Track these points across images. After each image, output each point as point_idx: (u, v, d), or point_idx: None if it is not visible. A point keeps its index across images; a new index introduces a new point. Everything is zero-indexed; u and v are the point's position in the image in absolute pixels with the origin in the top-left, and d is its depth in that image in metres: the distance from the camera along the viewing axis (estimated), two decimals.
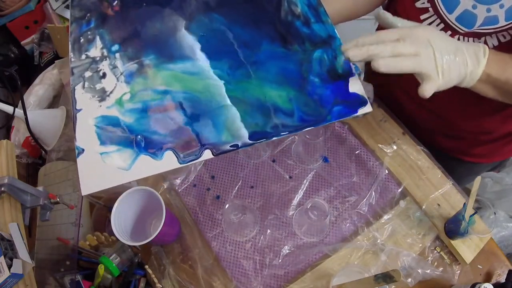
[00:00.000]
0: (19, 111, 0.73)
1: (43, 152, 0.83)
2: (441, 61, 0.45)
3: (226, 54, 0.54)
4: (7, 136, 0.88)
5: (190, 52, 0.55)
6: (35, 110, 0.88)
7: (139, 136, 0.49)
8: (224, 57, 0.54)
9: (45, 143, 0.81)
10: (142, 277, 0.64)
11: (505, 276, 0.61)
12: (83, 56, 0.55)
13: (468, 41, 0.57)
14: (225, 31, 0.56)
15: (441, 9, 0.58)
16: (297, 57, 0.53)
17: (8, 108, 0.72)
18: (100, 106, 0.51)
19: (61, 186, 0.72)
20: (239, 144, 0.48)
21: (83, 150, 0.48)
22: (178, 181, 0.75)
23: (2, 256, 0.49)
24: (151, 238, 0.56)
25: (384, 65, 0.43)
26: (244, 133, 0.48)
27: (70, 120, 0.83)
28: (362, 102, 0.49)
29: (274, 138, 0.48)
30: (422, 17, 0.61)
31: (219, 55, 0.54)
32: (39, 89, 0.91)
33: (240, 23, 0.57)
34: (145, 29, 0.57)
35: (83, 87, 0.53)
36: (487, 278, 0.65)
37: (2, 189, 0.55)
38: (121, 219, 0.60)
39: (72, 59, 0.55)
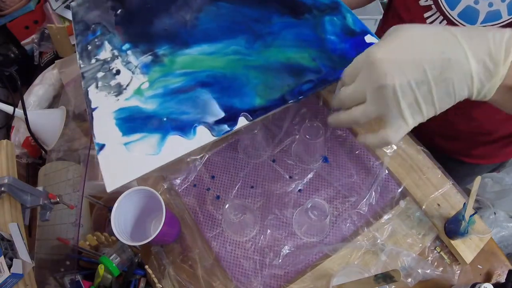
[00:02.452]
0: (19, 111, 0.73)
1: (43, 152, 0.83)
2: (409, 97, 0.33)
3: (240, 32, 0.54)
4: (7, 136, 0.88)
5: (204, 36, 0.54)
6: (35, 110, 0.88)
7: (164, 119, 0.47)
8: (239, 35, 0.54)
9: (45, 143, 0.81)
10: (142, 277, 0.64)
11: (505, 276, 0.61)
12: (93, 61, 0.54)
13: None
14: (234, 13, 0.56)
15: (443, 5, 0.58)
16: (309, 23, 0.53)
17: (8, 108, 0.72)
18: (118, 100, 0.50)
19: (61, 186, 0.72)
20: (272, 105, 0.46)
21: (103, 145, 0.46)
22: (178, 181, 0.75)
23: (2, 256, 0.49)
24: (151, 238, 0.56)
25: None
26: (278, 96, 0.47)
27: (70, 120, 0.83)
28: None
29: (310, 93, 0.47)
30: (425, 15, 0.61)
31: (234, 33, 0.54)
32: (39, 89, 0.91)
33: (247, 4, 0.57)
34: (154, 26, 0.57)
35: (97, 86, 0.52)
36: (487, 278, 0.65)
37: (2, 189, 0.55)
38: (121, 219, 0.60)
39: (82, 65, 0.55)
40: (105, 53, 0.55)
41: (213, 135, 0.45)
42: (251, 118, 0.46)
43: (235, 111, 0.46)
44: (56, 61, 0.94)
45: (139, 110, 0.49)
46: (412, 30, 0.34)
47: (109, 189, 0.44)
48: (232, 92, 0.48)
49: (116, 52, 0.55)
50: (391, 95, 0.33)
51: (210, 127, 0.46)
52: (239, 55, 0.51)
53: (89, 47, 0.56)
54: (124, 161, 0.45)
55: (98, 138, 0.47)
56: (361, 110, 0.36)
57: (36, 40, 1.01)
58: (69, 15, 0.96)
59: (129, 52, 0.54)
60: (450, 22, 0.58)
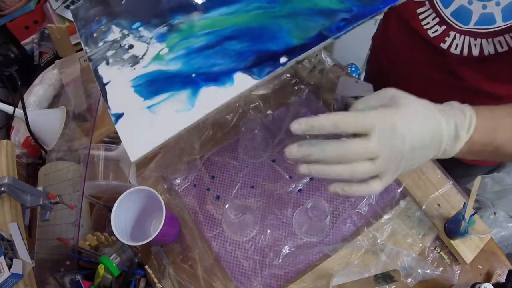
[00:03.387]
0: (19, 111, 0.73)
1: (43, 152, 0.82)
2: (408, 161, 0.38)
3: None
4: (7, 136, 0.88)
5: (220, 1, 0.50)
6: (35, 110, 0.88)
7: (193, 75, 0.43)
8: None
9: (45, 143, 0.81)
10: (142, 277, 0.64)
11: (505, 276, 0.61)
12: (100, 44, 0.50)
13: (464, 40, 0.57)
14: None
15: (437, 3, 0.57)
16: None
17: (8, 108, 0.72)
18: (134, 69, 0.46)
19: (61, 186, 0.72)
20: (311, 42, 0.42)
21: (121, 114, 0.43)
22: (178, 181, 0.75)
23: (2, 256, 0.49)
24: (151, 238, 0.56)
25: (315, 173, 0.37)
26: (315, 34, 0.43)
27: (70, 120, 0.83)
28: None
29: (348, 30, 0.43)
30: (418, 10, 0.60)
31: None
32: (39, 89, 0.91)
33: None
34: (164, 3, 0.52)
35: (107, 63, 0.48)
36: (487, 278, 0.65)
37: (2, 189, 0.55)
38: (121, 219, 0.60)
39: (88, 50, 0.50)
40: (114, 35, 0.51)
41: (254, 79, 0.41)
42: (291, 57, 0.42)
43: (272, 53, 0.43)
44: (56, 61, 0.94)
45: (161, 72, 0.44)
46: (412, 104, 0.39)
47: (133, 158, 0.40)
48: (265, 38, 0.44)
49: (126, 31, 0.50)
50: (403, 158, 0.37)
51: (249, 71, 0.42)
52: (263, 10, 0.47)
53: (95, 34, 0.52)
54: (149, 124, 0.41)
55: (114, 109, 0.43)
56: (369, 166, 0.36)
57: (36, 40, 1.01)
58: (69, 15, 0.96)
59: (140, 28, 0.50)
60: (443, 20, 0.57)
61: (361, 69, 1.68)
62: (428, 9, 0.59)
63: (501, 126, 0.40)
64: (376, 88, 0.76)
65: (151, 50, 0.47)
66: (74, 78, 0.90)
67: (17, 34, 1.03)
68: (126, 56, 0.47)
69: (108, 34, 0.51)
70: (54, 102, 0.94)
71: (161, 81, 0.44)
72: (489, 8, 0.52)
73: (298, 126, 0.36)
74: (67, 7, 0.96)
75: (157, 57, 0.46)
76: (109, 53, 0.48)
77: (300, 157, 0.37)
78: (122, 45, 0.49)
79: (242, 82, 0.42)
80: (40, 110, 0.89)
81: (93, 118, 0.77)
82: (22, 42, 1.04)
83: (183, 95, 0.42)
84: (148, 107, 0.42)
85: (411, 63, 0.69)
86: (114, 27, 0.52)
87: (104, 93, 0.45)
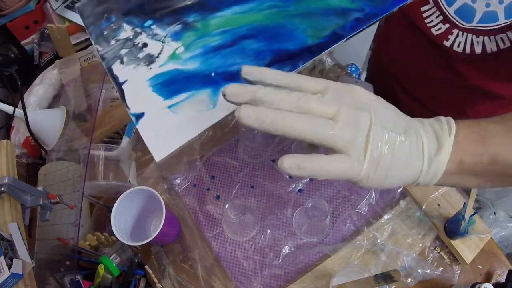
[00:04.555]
0: (19, 111, 0.73)
1: (43, 152, 0.82)
2: (378, 137, 0.29)
3: None
4: (7, 136, 0.88)
5: (232, 0, 0.49)
6: (35, 110, 0.88)
7: (212, 74, 0.43)
8: None
9: (45, 143, 0.81)
10: (142, 277, 0.64)
11: (505, 276, 0.61)
12: (113, 42, 0.49)
13: (466, 38, 0.57)
14: None
15: (441, 1, 0.58)
16: None
17: (8, 108, 0.72)
18: (151, 68, 0.45)
19: (61, 186, 0.72)
20: (328, 41, 0.42)
21: (141, 114, 0.42)
22: (178, 181, 0.75)
23: (2, 256, 0.49)
24: (151, 238, 0.56)
25: (256, 121, 0.29)
26: (330, 33, 0.43)
27: (70, 120, 0.83)
28: None
29: (362, 28, 0.43)
30: (422, 9, 0.61)
31: None
32: (39, 89, 0.91)
33: None
34: (176, 0, 0.52)
35: (122, 62, 0.47)
36: (487, 278, 0.65)
37: (2, 189, 0.55)
38: (121, 219, 0.60)
39: (100, 49, 0.49)
40: (126, 33, 0.50)
41: None
42: (310, 56, 0.42)
43: (290, 53, 0.43)
44: (56, 61, 0.94)
45: (180, 72, 0.44)
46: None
47: (158, 158, 0.39)
48: (281, 38, 0.45)
49: (138, 30, 0.50)
50: (367, 124, 0.30)
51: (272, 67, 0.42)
52: (277, 8, 0.47)
53: (105, 32, 0.51)
54: (172, 125, 0.41)
55: (133, 108, 0.43)
56: (330, 123, 0.29)
57: (36, 40, 1.01)
58: (69, 15, 0.96)
59: (153, 26, 0.49)
60: (446, 18, 0.58)
61: (361, 69, 1.68)
62: (432, 7, 0.59)
63: (488, 131, 0.34)
64: (376, 88, 0.76)
65: (166, 48, 0.47)
66: (74, 78, 0.90)
67: (17, 34, 1.03)
68: (141, 55, 0.47)
69: (119, 32, 0.50)
70: (54, 102, 0.94)
71: (180, 81, 0.44)
72: (492, 6, 0.52)
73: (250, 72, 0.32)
74: (67, 7, 0.96)
75: (174, 56, 0.46)
76: (123, 51, 0.48)
77: (244, 97, 0.30)
78: (135, 44, 0.48)
79: None
80: (40, 110, 0.89)
81: (93, 118, 0.77)
82: (22, 42, 1.04)
83: (204, 94, 0.42)
84: (169, 107, 0.42)
85: (413, 61, 0.69)
86: (125, 25, 0.51)
87: (121, 93, 0.45)
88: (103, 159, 0.73)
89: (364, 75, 1.56)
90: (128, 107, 0.43)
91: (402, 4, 0.44)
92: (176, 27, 0.49)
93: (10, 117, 0.75)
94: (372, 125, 0.30)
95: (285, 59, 0.43)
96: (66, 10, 0.97)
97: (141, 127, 0.42)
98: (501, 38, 0.53)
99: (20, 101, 0.73)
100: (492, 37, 0.54)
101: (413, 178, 0.32)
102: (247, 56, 0.44)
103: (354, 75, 1.62)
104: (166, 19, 0.50)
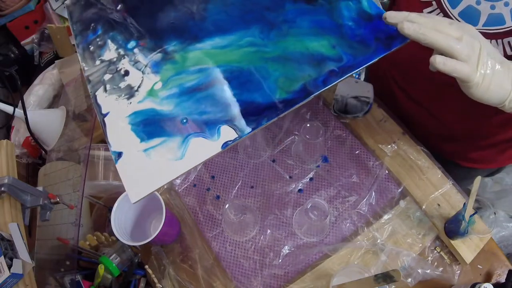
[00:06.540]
0: (19, 111, 0.73)
1: (43, 152, 0.83)
2: (485, 60, 0.42)
3: (253, 21, 0.51)
4: (7, 136, 0.88)
5: (215, 29, 0.51)
6: (35, 110, 0.88)
7: (184, 120, 0.45)
8: (252, 24, 0.51)
9: (45, 143, 0.81)
10: (142, 277, 0.64)
11: (505, 276, 0.61)
12: (97, 62, 0.52)
13: None
14: (244, 2, 0.53)
15: (444, 3, 0.57)
16: (324, 9, 0.50)
17: (8, 108, 0.72)
18: (130, 103, 0.47)
19: (61, 186, 0.72)
20: (296, 97, 0.44)
21: (120, 153, 0.44)
22: (178, 181, 0.75)
23: (2, 256, 0.49)
24: (151, 238, 0.56)
25: (414, 31, 0.41)
26: (299, 87, 0.45)
27: (70, 120, 0.83)
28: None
29: (332, 84, 0.45)
30: (425, 11, 0.60)
31: (246, 23, 0.51)
32: (39, 89, 0.91)
33: None
34: (159, 20, 0.54)
35: (105, 90, 0.49)
36: (487, 278, 0.65)
37: (2, 189, 0.55)
38: (121, 219, 0.60)
39: (86, 68, 0.52)
40: (110, 53, 0.52)
41: (238, 135, 0.43)
42: (277, 114, 0.44)
43: (257, 107, 0.44)
44: (56, 61, 0.94)
45: (156, 113, 0.46)
46: None
47: (133, 200, 0.41)
48: (252, 86, 0.46)
49: (122, 51, 0.52)
50: (477, 48, 0.42)
51: (234, 126, 0.43)
52: (255, 47, 0.48)
53: (91, 48, 0.54)
54: (146, 169, 0.43)
55: (114, 146, 0.45)
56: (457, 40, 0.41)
57: (36, 40, 1.02)
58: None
59: (135, 50, 0.52)
60: None
61: (361, 69, 1.68)
62: (436, 9, 0.59)
63: None
64: (376, 89, 0.76)
65: (145, 81, 0.49)
66: (74, 78, 0.90)
67: (17, 34, 1.03)
68: (122, 85, 0.49)
69: (104, 51, 0.53)
70: (54, 102, 0.94)
71: (156, 123, 0.46)
72: (497, 9, 0.51)
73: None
74: None
75: (152, 93, 0.48)
76: (106, 76, 0.50)
77: (402, 18, 0.42)
78: (118, 69, 0.50)
79: (228, 137, 0.43)
80: (40, 110, 0.89)
81: (93, 118, 0.78)
82: (22, 42, 1.04)
83: (174, 143, 0.44)
84: (144, 150, 0.44)
85: (413, 63, 0.69)
86: (110, 42, 0.53)
87: (104, 126, 0.46)
88: (103, 159, 0.73)
89: (364, 75, 1.56)
90: (110, 145, 0.45)
91: (383, 55, 0.45)
92: (157, 56, 0.51)
93: (10, 117, 0.75)
94: (481, 50, 0.42)
95: (252, 113, 0.44)
96: (66, 10, 0.97)
97: (120, 167, 0.43)
98: (508, 42, 0.52)
99: (20, 101, 0.73)
100: (499, 41, 0.53)
101: (504, 97, 0.44)
102: (218, 105, 0.46)
103: (354, 75, 1.62)
104: (148, 42, 0.52)
